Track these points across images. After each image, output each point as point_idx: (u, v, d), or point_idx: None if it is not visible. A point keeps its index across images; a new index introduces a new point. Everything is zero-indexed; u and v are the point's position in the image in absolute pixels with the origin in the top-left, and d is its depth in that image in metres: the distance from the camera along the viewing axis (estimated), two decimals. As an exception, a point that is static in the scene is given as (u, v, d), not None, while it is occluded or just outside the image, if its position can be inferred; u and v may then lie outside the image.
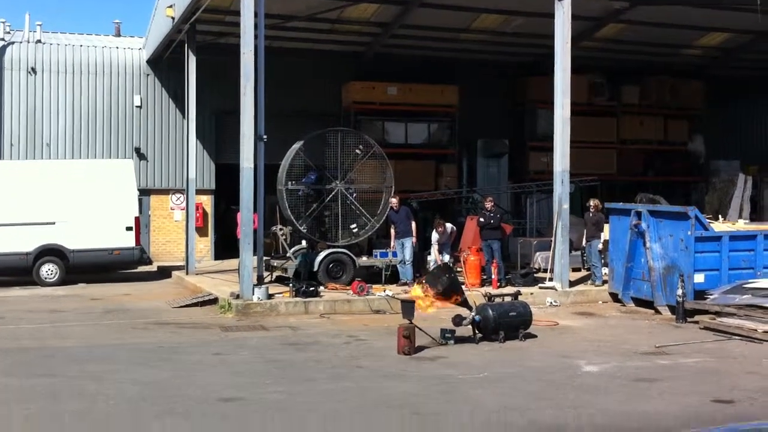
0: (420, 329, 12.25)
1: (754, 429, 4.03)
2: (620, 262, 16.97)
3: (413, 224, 19.08)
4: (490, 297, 13.41)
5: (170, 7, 21.00)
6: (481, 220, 18.90)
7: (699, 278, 15.51)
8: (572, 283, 18.01)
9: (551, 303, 16.79)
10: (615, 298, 17.16)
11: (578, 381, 10.43)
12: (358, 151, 19.51)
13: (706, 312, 14.49)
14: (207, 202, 26.18)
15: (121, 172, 21.60)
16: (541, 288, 17.61)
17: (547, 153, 22.56)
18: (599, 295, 17.52)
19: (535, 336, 13.14)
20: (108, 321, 15.16)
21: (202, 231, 25.50)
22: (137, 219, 21.35)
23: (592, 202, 19.03)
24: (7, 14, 50.18)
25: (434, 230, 19.38)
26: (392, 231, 18.95)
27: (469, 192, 25.84)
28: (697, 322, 14.36)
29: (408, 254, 18.56)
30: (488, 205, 19.13)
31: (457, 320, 12.74)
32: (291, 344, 12.80)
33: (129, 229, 20.99)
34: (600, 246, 18.43)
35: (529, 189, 24.80)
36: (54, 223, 20.50)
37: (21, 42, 25.40)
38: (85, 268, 21.01)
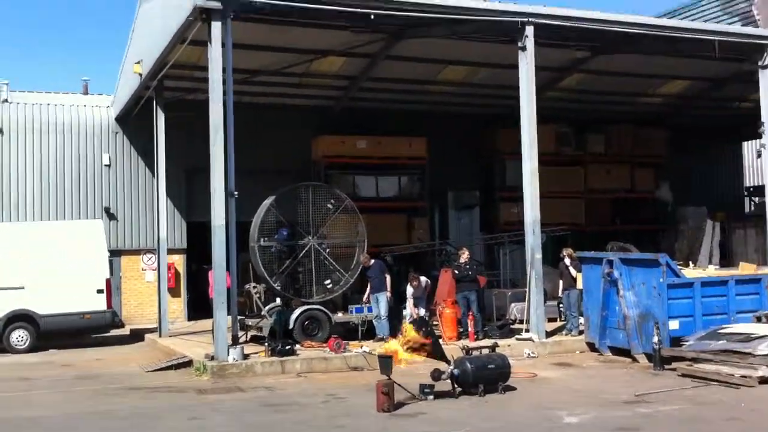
0: (399, 385, 12.14)
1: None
2: (595, 311, 17.02)
3: (387, 278, 19.05)
4: (468, 350, 13.35)
5: (138, 63, 21.04)
6: (456, 272, 18.89)
7: (674, 325, 15.58)
8: (549, 334, 18.03)
9: (529, 354, 16.75)
10: (592, 347, 17.17)
11: (560, 434, 10.38)
12: (329, 205, 19.49)
13: (682, 359, 14.56)
14: (179, 261, 25.95)
15: (91, 232, 21.40)
16: (518, 339, 17.58)
17: (517, 203, 22.71)
18: (576, 345, 17.52)
19: (514, 388, 13.09)
20: (80, 387, 14.84)
21: (174, 291, 25.23)
22: (108, 281, 21.08)
23: (565, 252, 19.11)
24: (-28, 75, 49.86)
25: (409, 284, 19.34)
26: (368, 287, 18.90)
27: (441, 244, 25.87)
28: (674, 369, 14.40)
29: (383, 309, 18.49)
30: (463, 257, 19.14)
31: (436, 375, 12.66)
32: (269, 405, 12.62)
33: (100, 291, 20.71)
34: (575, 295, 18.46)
35: (501, 240, 24.89)
36: (23, 288, 20.18)
37: (-13, 102, 25.25)
38: (55, 333, 20.59)
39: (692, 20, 26.34)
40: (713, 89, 28.06)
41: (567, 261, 18.79)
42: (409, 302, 19.09)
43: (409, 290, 19.21)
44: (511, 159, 25.61)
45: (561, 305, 19.91)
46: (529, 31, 17.94)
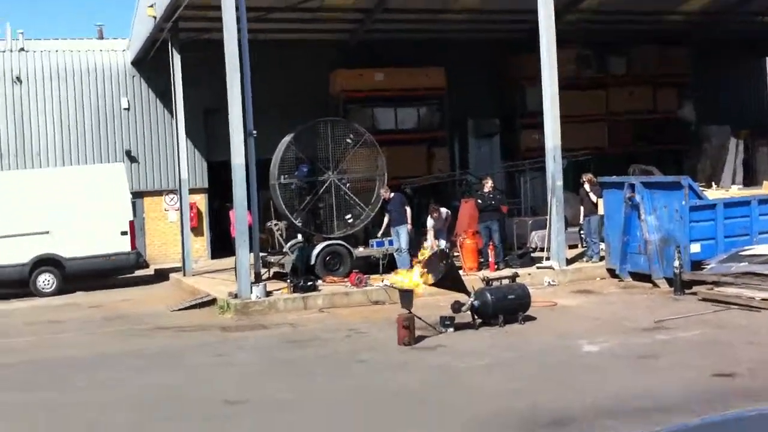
0: (419, 318, 12.26)
1: (756, 415, 4.04)
2: (616, 236, 16.93)
3: (408, 211, 19.06)
4: (487, 281, 13.40)
5: (151, 6, 20.85)
6: (479, 201, 18.81)
7: (695, 248, 15.48)
8: (569, 261, 17.99)
9: (549, 282, 16.79)
10: (612, 273, 17.11)
11: (579, 362, 10.47)
12: (348, 140, 19.42)
13: (703, 282, 14.50)
14: (201, 201, 26.11)
15: (113, 176, 21.56)
16: (538, 268, 17.60)
17: (538, 129, 22.44)
18: (597, 272, 17.50)
19: (534, 318, 13.15)
20: (108, 328, 15.16)
21: (197, 231, 25.46)
22: (132, 223, 21.32)
23: (585, 177, 18.92)
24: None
25: (429, 216, 19.35)
26: (386, 219, 18.92)
27: (462, 174, 25.78)
28: (695, 293, 14.36)
29: (404, 242, 18.53)
30: (487, 186, 19.04)
31: (456, 307, 12.75)
32: (292, 341, 12.82)
33: (124, 233, 20.95)
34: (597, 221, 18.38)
35: (521, 167, 24.73)
36: (48, 232, 20.46)
37: (4, 51, 25.23)
38: (81, 275, 20.94)
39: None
40: (736, 4, 27.35)
41: (587, 187, 18.60)
42: (430, 234, 19.14)
43: (430, 222, 19.24)
44: (531, 85, 25.28)
45: (582, 231, 19.84)
46: (548, -50, 17.49)
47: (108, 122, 25.48)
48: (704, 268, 14.94)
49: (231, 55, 15.88)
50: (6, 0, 61.37)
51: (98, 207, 20.76)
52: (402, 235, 18.60)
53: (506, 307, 12.78)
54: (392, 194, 19.12)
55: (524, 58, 25.76)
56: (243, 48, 16.08)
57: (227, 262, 21.63)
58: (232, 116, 15.91)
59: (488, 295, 12.77)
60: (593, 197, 18.44)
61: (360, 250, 18.94)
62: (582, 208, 19.01)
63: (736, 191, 18.72)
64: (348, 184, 19.24)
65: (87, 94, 25.41)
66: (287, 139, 19.08)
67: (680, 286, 14.74)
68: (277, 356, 11.86)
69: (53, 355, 12.77)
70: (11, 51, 25.27)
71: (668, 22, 28.97)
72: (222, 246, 24.93)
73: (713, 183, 21.04)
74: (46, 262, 20.57)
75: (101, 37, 29.42)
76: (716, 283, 14.16)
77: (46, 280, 20.57)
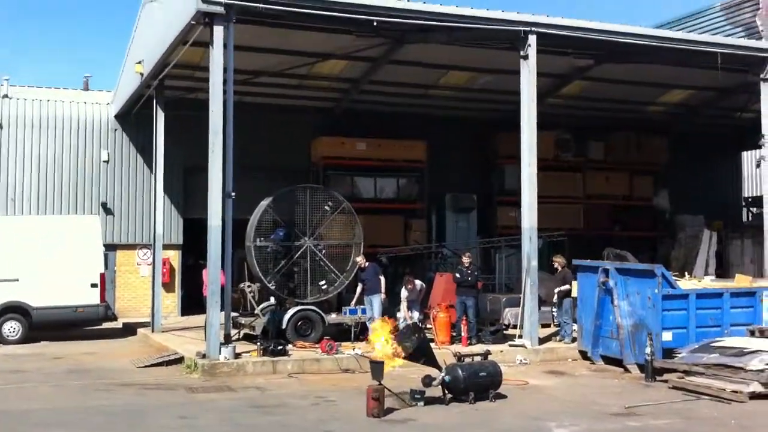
0: (389, 390, 12.14)
1: None
2: (589, 319, 16.99)
3: (382, 281, 19.01)
4: (459, 357, 13.31)
5: (139, 63, 21.00)
6: (458, 276, 18.84)
7: (667, 336, 15.57)
8: (542, 341, 18.00)
9: (521, 361, 16.73)
10: (584, 355, 17.14)
11: (549, 445, 10.36)
12: (327, 207, 19.48)
13: (674, 371, 14.51)
14: (174, 257, 25.93)
15: (87, 228, 21.38)
16: (510, 346, 17.56)
17: (515, 208, 22.67)
18: (569, 353, 17.49)
19: (505, 396, 13.06)
20: (71, 382, 14.82)
21: (168, 286, 25.25)
22: (102, 275, 21.08)
23: (556, 261, 19.13)
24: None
25: (404, 287, 19.32)
26: (359, 288, 18.86)
27: (438, 247, 25.87)
28: (666, 381, 14.37)
29: (377, 311, 18.42)
30: (466, 261, 19.09)
31: (427, 381, 12.64)
32: (258, 407, 12.60)
33: (94, 285, 20.70)
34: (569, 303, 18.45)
35: (497, 244, 24.88)
36: (17, 280, 20.17)
37: (-13, 97, 25.22)
38: (48, 325, 20.64)
39: (697, 30, 26.24)
40: (715, 99, 28.05)
41: (558, 268, 18.90)
42: (403, 305, 19.07)
43: (404, 293, 19.19)
44: (510, 163, 25.68)
45: (554, 310, 19.89)
46: (532, 40, 17.86)
47: (86, 173, 25.40)
48: (675, 357, 14.97)
49: (215, 119, 15.80)
50: (-7, 45, 61.81)
51: (70, 257, 20.56)
52: (375, 304, 18.53)
53: (477, 384, 12.71)
54: (367, 263, 19.08)
55: (504, 137, 26.22)
56: (228, 111, 15.96)
57: (197, 319, 21.42)
58: (212, 178, 15.84)
59: (460, 371, 12.69)
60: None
61: (332, 317, 18.82)
62: (555, 289, 19.10)
63: (709, 282, 18.88)
64: (324, 251, 19.21)
65: (68, 144, 25.36)
66: (265, 202, 19.09)
67: (651, 372, 14.76)
68: (243, 422, 11.64)
69: (12, 408, 12.43)
70: (-5, 97, 25.25)
71: (648, 112, 29.60)
72: (193, 303, 24.71)
73: (686, 273, 21.21)
74: (13, 309, 20.22)
75: (86, 88, 29.60)
76: (687, 372, 14.17)
77: (11, 328, 20.19)
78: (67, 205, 25.02)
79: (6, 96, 25.45)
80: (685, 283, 17.48)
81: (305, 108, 26.88)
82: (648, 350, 14.89)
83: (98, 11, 75.09)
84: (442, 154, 26.88)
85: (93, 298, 20.72)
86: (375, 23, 17.14)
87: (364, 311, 18.72)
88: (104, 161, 25.54)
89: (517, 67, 18.28)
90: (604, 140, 29.54)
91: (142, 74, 20.93)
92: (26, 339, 20.17)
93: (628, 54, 20.77)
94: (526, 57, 17.97)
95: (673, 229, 29.90)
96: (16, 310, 20.26)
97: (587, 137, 29.30)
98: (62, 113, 25.53)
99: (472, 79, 25.01)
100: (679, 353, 14.99)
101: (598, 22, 19.04)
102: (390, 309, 19.43)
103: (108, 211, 25.36)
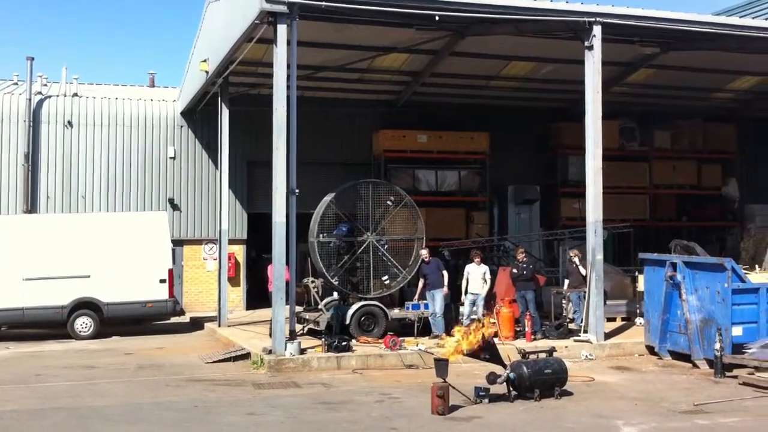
0: (454, 387, 12.15)
1: None
2: (656, 313, 16.77)
3: (445, 275, 18.96)
4: (524, 354, 13.25)
5: (204, 61, 21.33)
6: (514, 271, 18.80)
7: (737, 331, 15.29)
8: (607, 335, 17.78)
9: (586, 357, 16.59)
10: (651, 350, 16.92)
11: (616, 444, 10.27)
12: (389, 202, 19.53)
13: (744, 366, 14.28)
14: (239, 251, 26.31)
15: (155, 224, 21.85)
16: (575, 341, 17.41)
17: (578, 199, 22.48)
18: (635, 348, 17.28)
19: (571, 393, 12.96)
20: (142, 378, 15.19)
21: (234, 281, 25.61)
22: (171, 271, 21.52)
23: (571, 252, 19.29)
24: (44, 68, 51.18)
25: (471, 261, 19.12)
26: (421, 283, 18.83)
27: (500, 240, 25.73)
28: (735, 377, 14.12)
29: (439, 306, 18.42)
30: (520, 256, 19.02)
31: (492, 378, 12.62)
32: (323, 403, 12.72)
33: (162, 281, 21.17)
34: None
35: (561, 236, 24.62)
36: (89, 276, 20.72)
37: (58, 95, 25.84)
38: (118, 320, 21.21)
39: (762, 16, 25.57)
40: (785, 85, 27.30)
41: (576, 260, 18.93)
42: (467, 299, 18.87)
43: (469, 268, 18.98)
44: (573, 154, 25.41)
45: (564, 302, 19.67)
46: (597, 30, 17.59)
47: (153, 170, 25.87)
48: (745, 352, 14.69)
49: (279, 116, 16.01)
50: (63, 43, 63.29)
51: (139, 254, 21.06)
52: (437, 299, 18.50)
53: (542, 382, 12.64)
54: (430, 258, 19.02)
55: (567, 127, 25.94)
56: (291, 106, 16.26)
57: (262, 313, 21.79)
58: (276, 176, 16.02)
59: (524, 368, 12.64)
60: (582, 270, 18.57)
61: (395, 312, 18.88)
62: (567, 281, 19.16)
63: (781, 275, 18.42)
64: (386, 246, 19.27)
65: (135, 142, 25.85)
66: (328, 198, 19.22)
67: (721, 368, 14.49)
68: (309, 419, 11.77)
69: (85, 404, 12.78)
70: (65, 95, 25.85)
71: (716, 99, 28.95)
72: (257, 297, 25.08)
73: (756, 266, 20.72)
74: (85, 305, 20.81)
75: (152, 85, 30.15)
76: (758, 368, 13.90)
77: (84, 324, 20.77)
78: (135, 202, 25.55)
79: (76, 94, 26.06)
80: (756, 277, 17.12)
81: (366, 102, 26.97)
82: (717, 345, 14.63)
83: (164, 7, 76.29)
84: (504, 145, 26.66)
85: (162, 293, 21.18)
86: (437, 17, 17.09)
87: (426, 306, 18.71)
88: (171, 158, 25.99)
89: (581, 56, 18.06)
90: (670, 128, 28.96)
91: (207, 72, 21.24)
92: (98, 334, 20.74)
93: (693, 41, 20.34)
94: (590, 48, 17.72)
95: (742, 219, 29.23)
96: (88, 306, 20.84)
97: (653, 126, 28.77)
98: (130, 111, 26.03)
99: (535, 69, 24.73)
100: (750, 348, 14.70)
101: (662, 10, 18.68)
102: (453, 303, 19.37)
103: (175, 206, 25.81)
